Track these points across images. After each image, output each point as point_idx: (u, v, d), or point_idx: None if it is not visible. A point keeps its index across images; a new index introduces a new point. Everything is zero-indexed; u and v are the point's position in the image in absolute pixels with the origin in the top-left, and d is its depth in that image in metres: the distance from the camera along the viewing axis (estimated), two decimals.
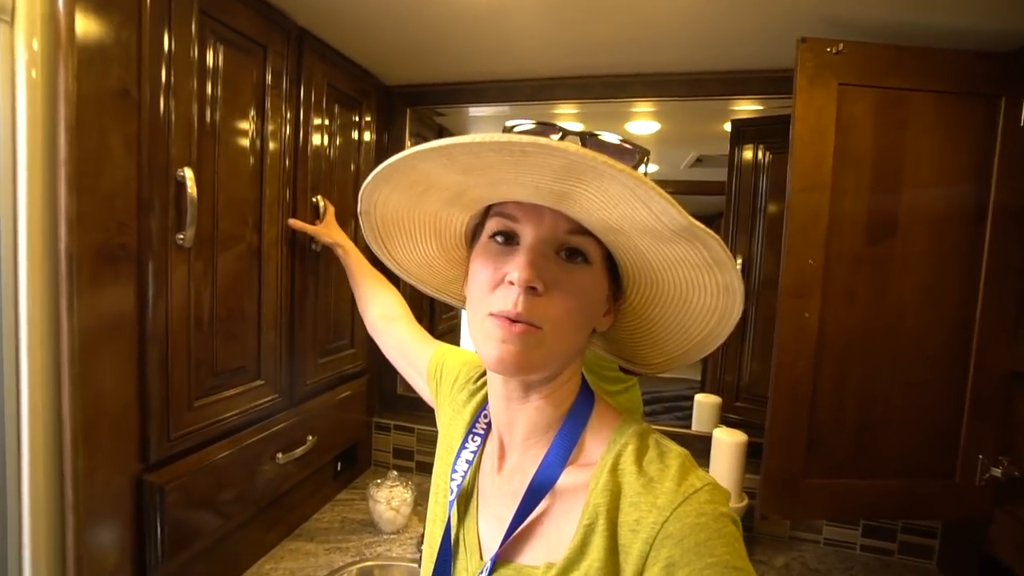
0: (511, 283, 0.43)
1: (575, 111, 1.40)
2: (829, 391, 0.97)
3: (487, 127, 1.46)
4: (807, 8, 0.90)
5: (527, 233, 0.46)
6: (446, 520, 0.55)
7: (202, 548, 0.93)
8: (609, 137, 0.48)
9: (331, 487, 1.38)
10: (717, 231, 1.50)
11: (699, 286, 0.45)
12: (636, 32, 1.03)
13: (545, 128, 0.48)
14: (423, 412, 1.41)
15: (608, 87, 1.27)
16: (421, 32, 1.08)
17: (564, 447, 0.49)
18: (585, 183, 0.38)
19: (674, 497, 0.41)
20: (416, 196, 0.50)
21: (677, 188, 1.53)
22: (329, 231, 1.10)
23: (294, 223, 1.06)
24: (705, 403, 1.37)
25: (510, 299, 0.43)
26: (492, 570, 0.47)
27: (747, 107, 1.31)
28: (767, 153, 1.35)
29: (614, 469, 0.45)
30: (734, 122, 1.37)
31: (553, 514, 0.47)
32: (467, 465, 0.56)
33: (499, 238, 0.47)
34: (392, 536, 1.20)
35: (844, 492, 0.98)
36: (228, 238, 0.92)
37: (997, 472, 0.97)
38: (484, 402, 0.61)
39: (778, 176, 1.32)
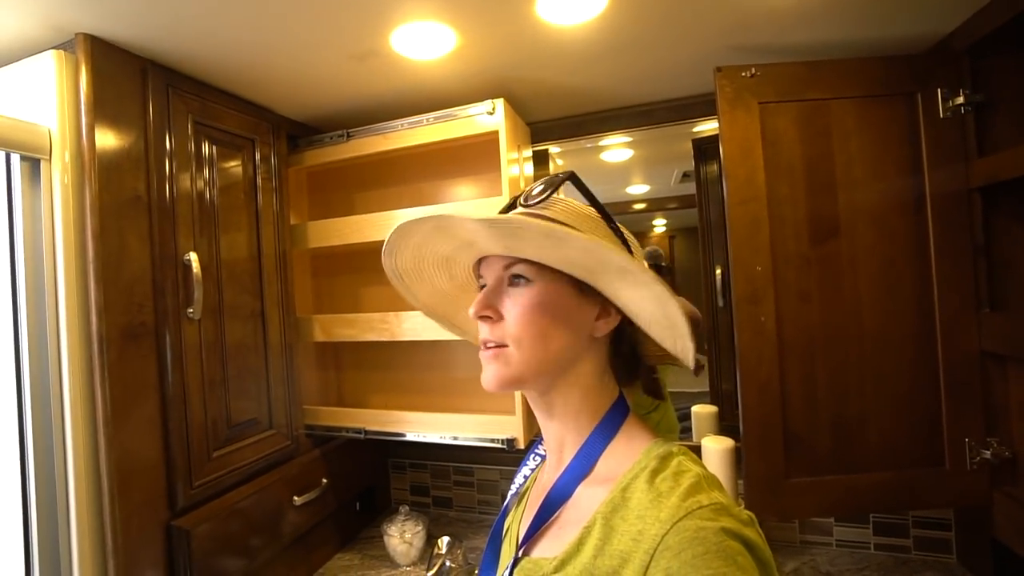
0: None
1: (559, 149, 1.50)
2: (798, 391, 1.00)
3: None
4: (718, 42, 0.99)
5: (486, 275, 0.57)
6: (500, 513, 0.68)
7: None
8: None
9: (352, 527, 1.46)
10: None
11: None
12: (586, 79, 1.16)
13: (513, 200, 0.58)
14: (434, 449, 1.49)
15: (568, 128, 1.39)
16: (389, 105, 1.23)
17: (581, 466, 0.54)
18: (456, 229, 0.53)
19: (676, 511, 0.43)
20: (417, 263, 0.63)
21: (676, 203, 1.57)
22: None
23: None
24: (702, 414, 1.39)
25: (481, 329, 0.55)
26: (519, 558, 0.56)
27: (707, 126, 1.38)
28: None
29: (625, 489, 0.49)
30: (694, 141, 1.45)
31: (570, 521, 0.53)
32: (524, 479, 0.68)
33: (481, 284, 0.58)
34: (408, 569, 1.27)
35: (830, 488, 0.99)
36: (232, 306, 1.06)
37: (987, 454, 0.96)
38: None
39: None
